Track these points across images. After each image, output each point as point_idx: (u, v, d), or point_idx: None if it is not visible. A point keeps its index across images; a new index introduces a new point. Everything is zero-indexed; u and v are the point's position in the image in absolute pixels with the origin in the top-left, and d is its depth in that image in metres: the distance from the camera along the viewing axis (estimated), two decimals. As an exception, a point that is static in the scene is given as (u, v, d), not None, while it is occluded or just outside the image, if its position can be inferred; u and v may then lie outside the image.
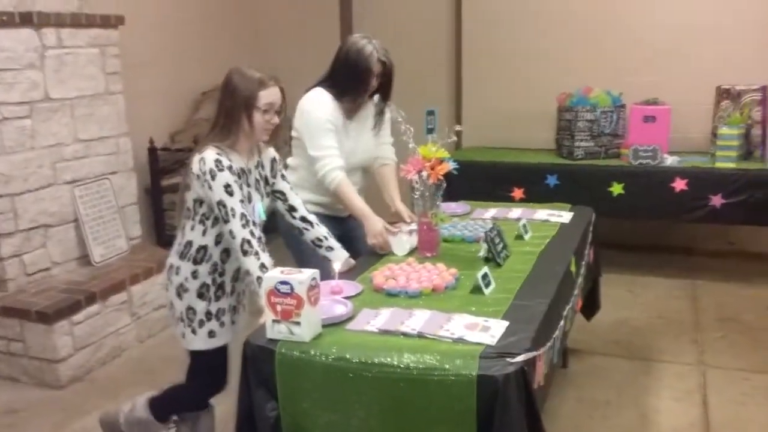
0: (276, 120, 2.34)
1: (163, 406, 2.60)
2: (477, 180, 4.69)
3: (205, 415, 2.69)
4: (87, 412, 3.19)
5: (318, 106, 2.80)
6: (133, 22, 4.31)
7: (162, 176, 4.86)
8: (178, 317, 2.42)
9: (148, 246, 4.50)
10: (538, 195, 4.34)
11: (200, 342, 2.43)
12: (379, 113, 2.97)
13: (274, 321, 1.96)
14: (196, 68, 5.25)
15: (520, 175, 4.66)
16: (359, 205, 2.82)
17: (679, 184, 4.28)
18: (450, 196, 4.41)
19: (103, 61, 4.06)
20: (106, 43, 4.07)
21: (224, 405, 2.87)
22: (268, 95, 2.30)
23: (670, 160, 4.43)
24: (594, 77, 4.83)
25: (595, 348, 3.63)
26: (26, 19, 3.56)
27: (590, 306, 3.42)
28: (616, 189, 4.42)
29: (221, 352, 2.51)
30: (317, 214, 2.75)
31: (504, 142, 5.29)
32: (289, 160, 3.00)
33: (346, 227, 3.00)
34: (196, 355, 2.49)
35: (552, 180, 4.57)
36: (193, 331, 2.41)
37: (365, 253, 2.81)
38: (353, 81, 2.79)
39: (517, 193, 4.62)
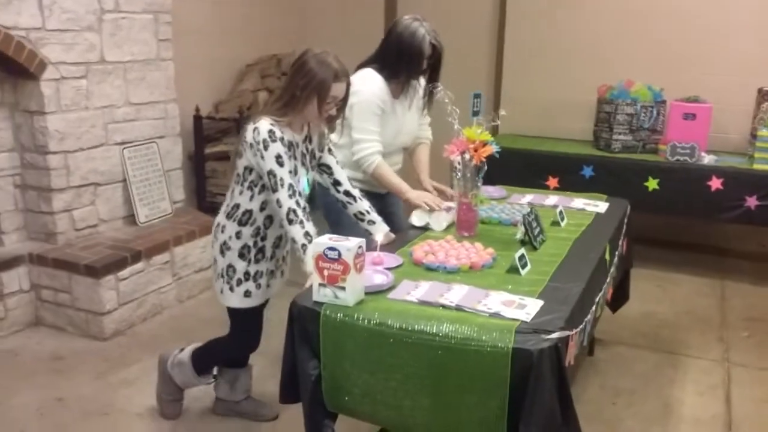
0: (333, 111, 2.43)
1: (201, 356, 2.74)
2: (512, 167, 4.72)
3: (243, 374, 2.83)
4: (128, 364, 3.34)
5: (370, 88, 2.88)
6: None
7: (205, 144, 4.98)
8: (219, 273, 2.54)
9: (191, 210, 4.63)
10: (572, 185, 4.36)
11: (236, 299, 2.55)
12: (429, 95, 3.04)
13: (320, 285, 2.06)
14: (242, 41, 5.35)
15: (555, 165, 4.70)
16: (397, 182, 2.93)
17: (715, 183, 4.30)
18: (486, 180, 4.52)
19: (156, 28, 4.18)
20: (160, 10, 4.19)
21: (261, 365, 3.01)
22: (338, 89, 2.38)
23: (707, 159, 4.44)
24: (636, 71, 4.84)
25: (622, 339, 3.69)
26: (88, -18, 3.69)
27: (619, 297, 3.47)
28: (652, 184, 4.45)
29: (255, 313, 2.63)
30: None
31: (541, 131, 5.33)
32: (333, 136, 3.07)
33: (384, 203, 3.09)
34: (231, 312, 2.61)
35: (588, 171, 4.61)
36: (231, 289, 2.53)
37: (403, 229, 2.90)
38: (405, 63, 2.85)
39: (552, 182, 4.67)
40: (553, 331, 1.92)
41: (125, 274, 3.66)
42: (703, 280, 4.54)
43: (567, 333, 1.98)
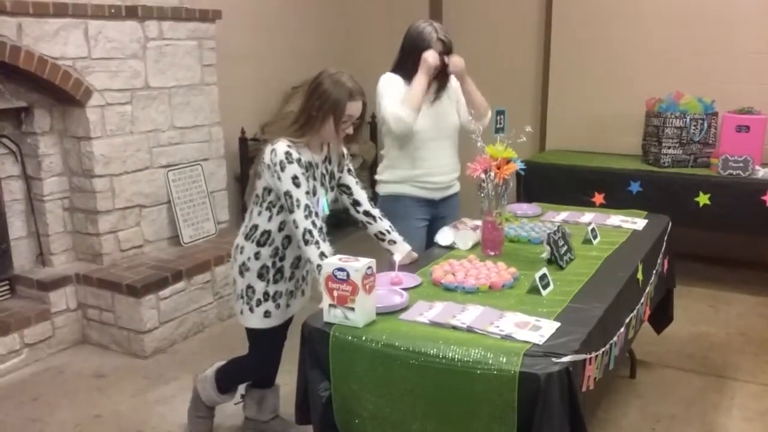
0: (350, 131, 2.44)
1: (224, 374, 2.78)
2: (558, 183, 4.68)
3: (270, 394, 2.84)
4: (167, 382, 3.41)
5: (388, 82, 3.02)
6: (230, 17, 4.54)
7: (251, 165, 5.06)
8: (239, 294, 2.57)
9: (235, 230, 4.68)
10: (619, 201, 4.26)
11: (256, 320, 2.57)
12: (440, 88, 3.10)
13: (330, 305, 2.06)
14: (287, 63, 5.44)
15: (602, 180, 4.59)
16: (419, 80, 2.92)
17: (770, 198, 4.11)
18: (529, 197, 4.47)
19: (200, 53, 4.30)
20: (204, 36, 4.31)
21: (291, 385, 3.02)
22: (353, 108, 2.40)
23: (762, 172, 4.24)
24: (686, 83, 4.69)
25: (667, 361, 3.54)
26: (132, 13, 3.83)
27: (661, 318, 3.35)
28: (702, 199, 4.28)
29: (275, 333, 2.64)
30: (409, 197, 3.10)
31: (589, 145, 5.22)
32: (382, 152, 3.21)
33: (438, 209, 3.20)
34: (250, 333, 2.63)
35: (635, 187, 4.48)
36: (251, 309, 2.55)
37: None
38: (416, 60, 2.94)
39: (598, 198, 4.55)
40: (565, 355, 1.86)
41: (166, 294, 3.75)
42: (759, 299, 4.32)
43: (581, 357, 1.92)
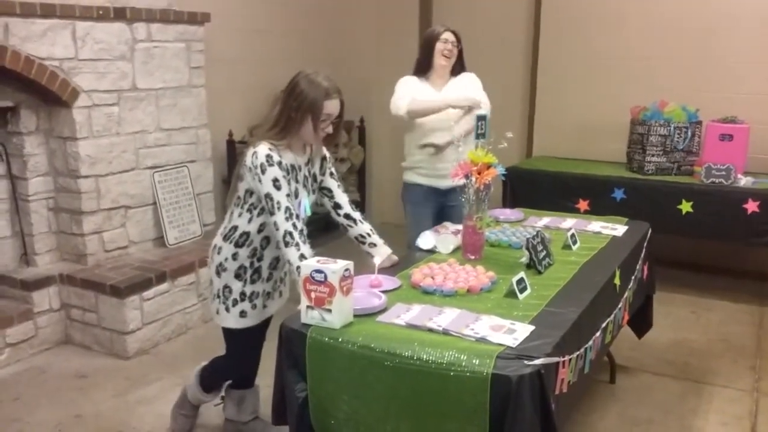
0: (329, 130, 2.46)
1: (207, 374, 2.79)
2: (543, 189, 4.72)
3: (249, 394, 2.85)
4: (149, 383, 3.42)
5: (402, 82, 3.51)
6: (219, 20, 4.55)
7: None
8: (215, 294, 2.58)
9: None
10: (603, 208, 4.29)
11: (232, 320, 2.58)
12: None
13: (308, 307, 2.08)
14: (275, 66, 5.42)
15: (586, 187, 4.63)
16: (435, 99, 3.43)
17: (751, 206, 4.14)
18: (515, 202, 4.51)
19: (188, 56, 4.32)
20: (192, 39, 4.32)
21: (271, 387, 3.03)
22: (331, 106, 2.42)
23: (744, 181, 4.29)
24: (671, 92, 4.73)
25: (647, 366, 3.58)
26: (120, 14, 3.84)
27: (641, 323, 3.38)
28: (685, 207, 4.32)
29: (250, 333, 2.65)
30: (417, 185, 3.54)
31: (575, 152, 5.25)
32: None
33: (446, 198, 3.49)
34: (226, 332, 2.65)
35: (619, 194, 4.52)
36: (227, 309, 2.57)
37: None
38: (425, 55, 3.47)
39: (582, 204, 4.59)
40: (537, 357, 1.88)
41: (150, 295, 3.75)
42: (740, 307, 4.37)
43: (554, 359, 1.94)
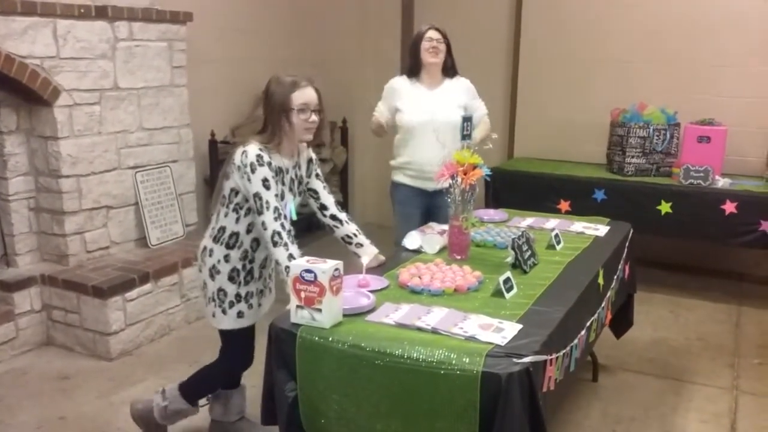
0: (314, 118, 2.47)
1: (195, 389, 2.75)
2: (525, 190, 4.76)
3: (236, 394, 2.85)
4: (132, 384, 3.39)
5: (386, 88, 3.60)
6: (201, 19, 4.53)
7: (221, 167, 5.05)
8: (210, 297, 2.58)
9: (203, 233, 4.67)
10: (584, 209, 4.34)
11: (229, 322, 2.58)
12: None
13: (297, 306, 2.09)
14: (258, 66, 5.41)
15: (567, 188, 4.68)
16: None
17: (729, 207, 4.22)
18: (497, 203, 4.54)
19: (170, 55, 4.29)
20: (174, 38, 4.30)
21: (257, 385, 3.02)
22: (302, 95, 2.44)
23: (721, 182, 4.37)
24: (650, 94, 4.81)
25: (628, 365, 3.63)
26: (101, 13, 3.81)
27: (621, 322, 3.42)
28: (664, 208, 4.38)
29: (248, 332, 2.66)
30: (404, 185, 3.57)
31: (556, 154, 5.31)
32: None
33: (432, 200, 3.52)
34: (224, 334, 2.64)
35: (599, 195, 4.57)
36: (224, 312, 2.56)
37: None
38: (413, 55, 3.51)
39: (564, 205, 4.64)
40: (526, 355, 1.90)
41: (133, 295, 3.73)
42: (718, 306, 4.44)
43: (542, 357, 1.97)
